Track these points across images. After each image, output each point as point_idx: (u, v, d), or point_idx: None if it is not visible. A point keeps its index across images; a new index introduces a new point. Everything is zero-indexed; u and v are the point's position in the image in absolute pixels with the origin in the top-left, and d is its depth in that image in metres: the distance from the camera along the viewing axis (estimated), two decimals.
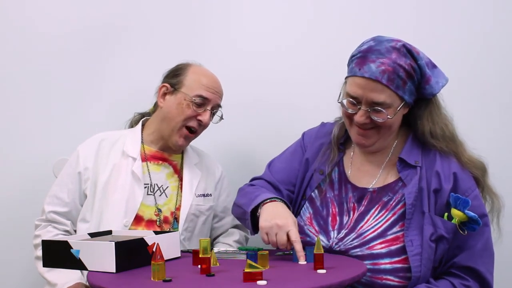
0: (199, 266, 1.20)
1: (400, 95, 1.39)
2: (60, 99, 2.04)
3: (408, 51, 1.41)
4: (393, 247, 1.39)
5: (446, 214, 1.41)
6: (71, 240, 1.28)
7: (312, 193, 1.57)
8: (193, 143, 1.84)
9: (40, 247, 1.39)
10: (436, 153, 1.47)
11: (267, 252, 1.24)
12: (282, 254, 1.44)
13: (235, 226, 1.91)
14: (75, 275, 1.59)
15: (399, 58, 1.39)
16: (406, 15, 2.08)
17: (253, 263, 1.11)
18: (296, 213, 1.59)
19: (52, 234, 1.67)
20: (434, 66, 1.47)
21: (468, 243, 1.42)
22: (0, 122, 2.02)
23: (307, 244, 1.46)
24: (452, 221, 1.39)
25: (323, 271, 1.18)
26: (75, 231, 1.71)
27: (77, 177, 1.70)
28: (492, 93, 2.04)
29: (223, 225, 1.88)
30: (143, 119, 1.83)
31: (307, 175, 1.61)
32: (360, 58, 1.42)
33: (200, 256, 1.20)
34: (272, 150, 2.06)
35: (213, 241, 1.87)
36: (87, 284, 1.54)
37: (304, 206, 1.57)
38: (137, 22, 2.09)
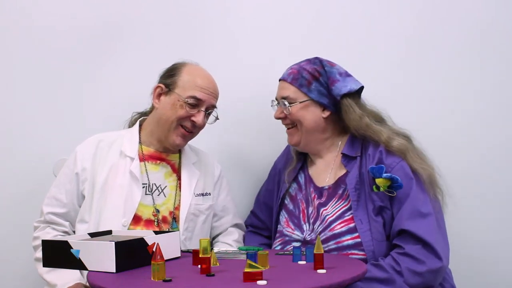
0: (199, 266, 1.20)
1: (304, 92, 1.68)
2: (60, 99, 2.03)
3: (319, 61, 1.71)
4: (351, 225, 1.57)
5: (374, 186, 1.57)
6: (71, 240, 1.28)
7: (285, 201, 1.78)
8: (192, 142, 1.84)
9: (40, 249, 1.39)
10: (371, 142, 1.66)
11: (267, 252, 1.24)
12: (282, 254, 1.44)
13: (235, 225, 1.90)
14: (74, 275, 1.58)
15: (306, 65, 1.71)
16: (407, 15, 2.08)
17: (253, 263, 1.11)
18: (276, 221, 1.78)
19: (51, 235, 1.67)
20: (347, 75, 1.71)
21: (399, 210, 1.55)
22: (0, 122, 2.01)
23: (287, 243, 1.66)
24: (380, 190, 1.55)
25: (323, 271, 1.18)
26: (74, 232, 1.70)
27: (75, 178, 1.70)
28: (492, 93, 2.05)
29: (222, 224, 1.87)
30: (140, 119, 1.82)
31: (280, 186, 1.83)
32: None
33: (200, 256, 1.20)
34: (271, 150, 2.07)
35: (212, 240, 1.87)
36: (87, 284, 1.54)
37: (281, 214, 1.77)
38: (136, 21, 2.08)
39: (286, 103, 1.69)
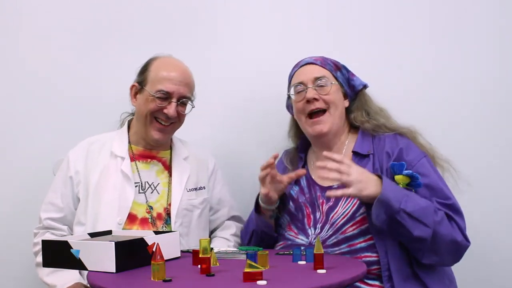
0: (199, 266, 1.20)
1: (334, 76, 1.67)
2: (60, 99, 2.04)
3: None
4: (363, 227, 1.51)
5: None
6: (71, 240, 1.28)
7: (287, 203, 1.68)
8: (188, 137, 1.84)
9: (40, 254, 1.38)
10: (385, 137, 1.62)
11: (267, 252, 1.24)
12: (282, 254, 1.44)
13: (232, 218, 1.90)
14: (74, 276, 1.59)
15: (326, 57, 1.71)
16: (410, 15, 2.08)
17: (253, 263, 1.11)
18: (277, 225, 1.69)
19: None
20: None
21: (433, 195, 1.51)
22: (0, 122, 2.02)
23: (289, 247, 1.56)
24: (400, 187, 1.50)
25: (323, 271, 1.18)
26: (72, 235, 1.71)
27: (69, 181, 1.71)
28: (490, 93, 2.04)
29: (219, 218, 1.88)
30: (129, 119, 1.84)
31: None
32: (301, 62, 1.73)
33: (200, 256, 1.20)
34: (267, 143, 2.06)
35: (210, 235, 1.87)
36: (87, 284, 1.54)
37: (283, 216, 1.68)
38: (134, 21, 2.09)
39: (327, 82, 1.64)
